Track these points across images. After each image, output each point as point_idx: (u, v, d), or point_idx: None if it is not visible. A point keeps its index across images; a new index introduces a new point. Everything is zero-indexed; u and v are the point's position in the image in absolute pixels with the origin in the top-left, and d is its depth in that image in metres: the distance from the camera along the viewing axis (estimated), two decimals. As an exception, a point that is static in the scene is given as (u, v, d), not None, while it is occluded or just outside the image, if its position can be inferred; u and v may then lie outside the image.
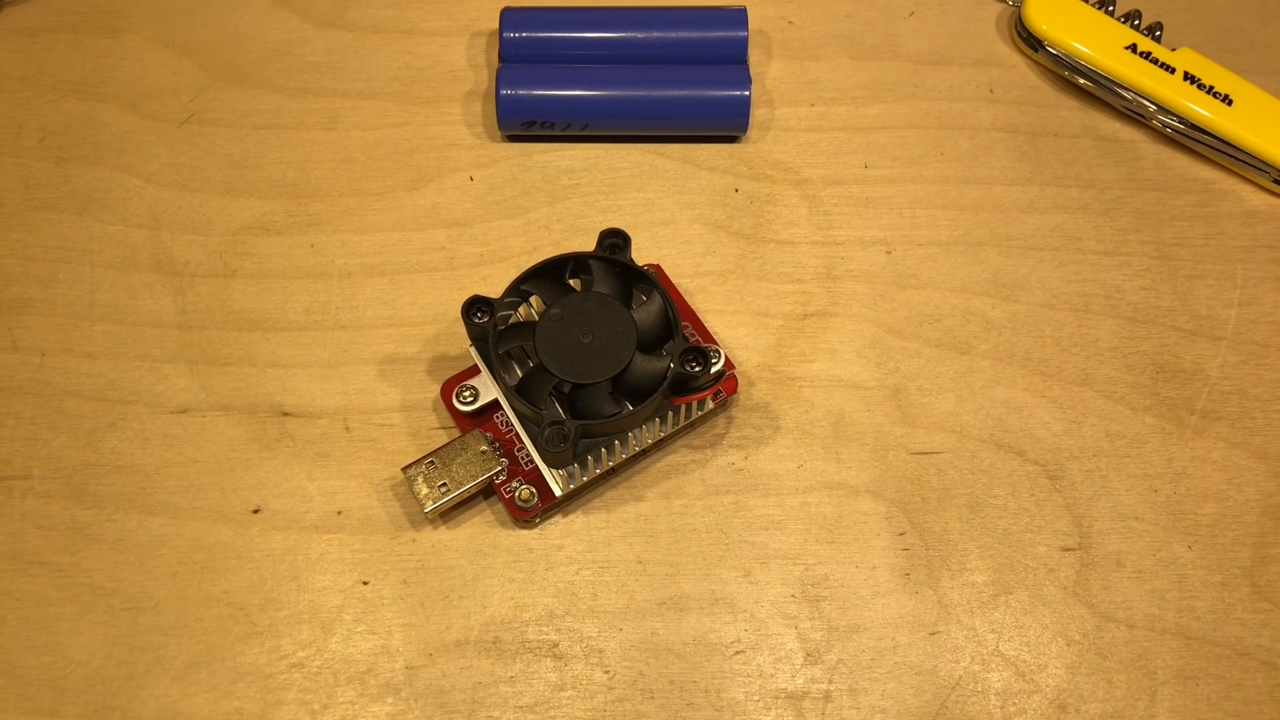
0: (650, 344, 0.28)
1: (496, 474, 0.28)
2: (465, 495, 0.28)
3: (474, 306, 0.28)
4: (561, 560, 0.28)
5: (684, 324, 0.30)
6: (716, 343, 0.30)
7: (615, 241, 0.29)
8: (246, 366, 0.30)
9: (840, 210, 0.33)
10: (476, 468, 0.28)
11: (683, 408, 0.28)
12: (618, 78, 0.33)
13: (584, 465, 0.28)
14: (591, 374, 0.27)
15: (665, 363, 0.28)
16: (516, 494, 0.28)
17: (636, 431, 0.28)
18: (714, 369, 0.28)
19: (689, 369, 0.27)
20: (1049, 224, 0.33)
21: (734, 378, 0.30)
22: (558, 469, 0.28)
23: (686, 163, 0.34)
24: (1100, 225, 0.33)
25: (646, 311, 0.28)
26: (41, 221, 0.32)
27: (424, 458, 0.28)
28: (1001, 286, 0.32)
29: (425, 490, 0.28)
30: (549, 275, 0.29)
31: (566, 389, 0.27)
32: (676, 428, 0.29)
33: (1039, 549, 0.29)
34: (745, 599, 0.28)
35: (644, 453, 0.29)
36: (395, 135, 0.34)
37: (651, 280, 0.29)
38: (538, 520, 0.29)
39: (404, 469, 0.28)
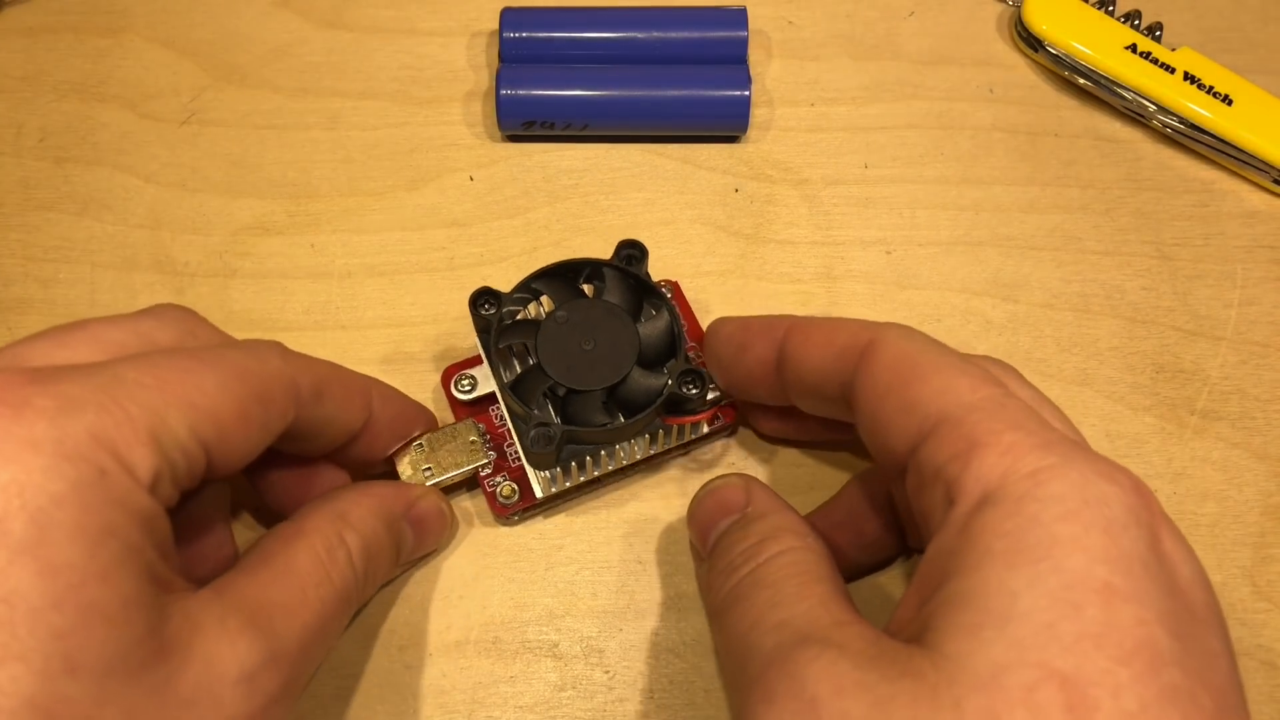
0: (652, 360, 0.28)
1: (482, 466, 0.28)
2: (448, 483, 0.28)
3: (482, 297, 0.28)
4: (561, 560, 0.28)
5: (691, 345, 0.29)
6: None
7: (632, 253, 0.29)
8: (246, 366, 0.30)
9: (840, 210, 0.33)
10: (463, 457, 0.28)
11: (675, 429, 0.28)
12: (617, 78, 0.33)
13: (567, 471, 0.27)
14: (587, 381, 0.27)
15: (663, 380, 0.27)
16: (499, 489, 0.28)
17: (625, 445, 0.28)
18: (711, 395, 0.27)
19: (685, 390, 0.27)
20: (1049, 224, 0.33)
21: (734, 406, 0.29)
22: (541, 470, 0.27)
23: (686, 163, 0.34)
24: (1100, 225, 0.33)
25: (653, 327, 0.28)
26: (41, 221, 0.32)
27: (413, 438, 0.28)
28: (1001, 286, 0.32)
29: (410, 472, 0.27)
30: (562, 277, 0.29)
31: (561, 392, 0.27)
32: (668, 447, 0.28)
33: (1039, 549, 0.29)
34: (745, 599, 0.28)
35: (632, 467, 0.29)
36: (395, 135, 0.34)
37: (662, 297, 0.28)
38: (516, 518, 0.28)
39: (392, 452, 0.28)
